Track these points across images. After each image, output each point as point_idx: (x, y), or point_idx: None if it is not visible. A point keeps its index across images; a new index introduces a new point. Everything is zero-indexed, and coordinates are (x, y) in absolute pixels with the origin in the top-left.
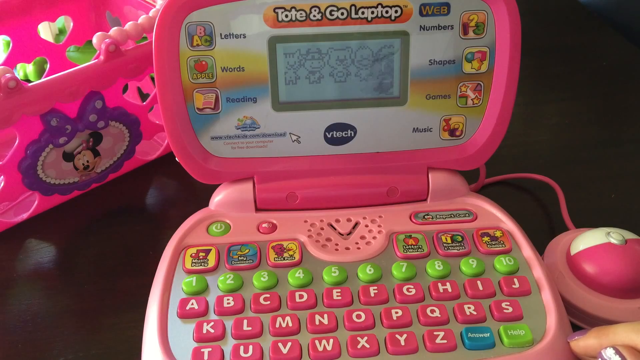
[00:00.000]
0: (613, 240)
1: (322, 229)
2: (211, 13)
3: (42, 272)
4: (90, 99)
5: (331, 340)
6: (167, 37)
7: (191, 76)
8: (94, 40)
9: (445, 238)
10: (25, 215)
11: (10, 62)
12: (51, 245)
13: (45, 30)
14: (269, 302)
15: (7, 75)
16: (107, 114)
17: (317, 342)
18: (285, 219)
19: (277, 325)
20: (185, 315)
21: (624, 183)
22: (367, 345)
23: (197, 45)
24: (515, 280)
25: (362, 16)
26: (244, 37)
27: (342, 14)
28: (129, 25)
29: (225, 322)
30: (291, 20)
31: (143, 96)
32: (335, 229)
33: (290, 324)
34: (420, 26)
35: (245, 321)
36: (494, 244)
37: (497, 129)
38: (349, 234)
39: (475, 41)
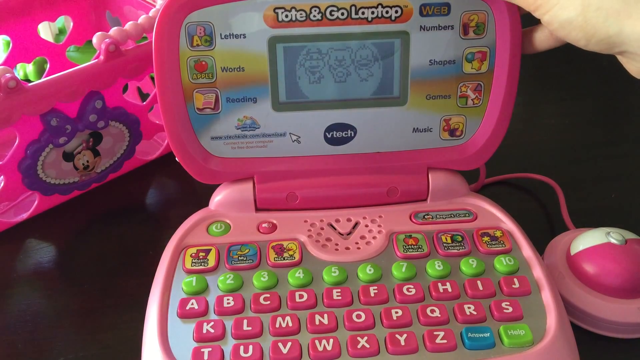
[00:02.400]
0: (613, 240)
1: (322, 229)
2: (211, 13)
3: (42, 272)
4: (90, 99)
5: (331, 340)
6: (167, 37)
7: (191, 76)
8: (94, 40)
9: (445, 238)
10: (25, 215)
11: (10, 62)
12: (51, 245)
13: (45, 30)
14: (269, 302)
15: (7, 75)
16: (107, 114)
17: (317, 342)
18: (285, 219)
19: (277, 325)
20: (185, 315)
21: (624, 183)
22: (367, 345)
23: (197, 45)
24: (515, 280)
25: (362, 16)
26: (244, 37)
27: (342, 14)
28: (129, 25)
29: (225, 322)
30: (291, 20)
31: (143, 96)
32: (335, 229)
33: (290, 324)
34: (421, 26)
35: (245, 321)
36: (494, 244)
37: (497, 129)
38: (349, 234)
39: (476, 41)
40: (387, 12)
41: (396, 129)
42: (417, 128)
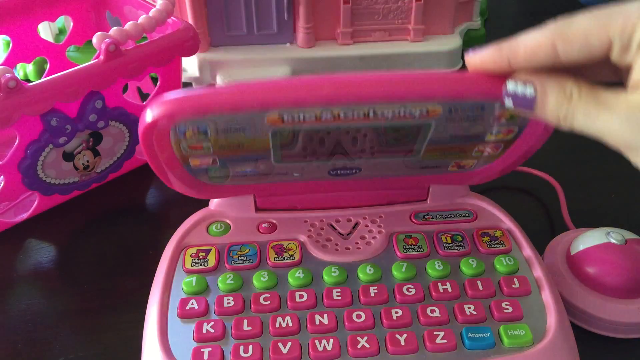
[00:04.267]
0: (613, 240)
1: (322, 229)
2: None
3: (42, 272)
4: (90, 99)
5: (331, 340)
6: (154, 142)
7: (185, 151)
8: (94, 40)
9: (445, 238)
10: (25, 215)
11: (10, 62)
12: (51, 245)
13: (45, 30)
14: (269, 302)
15: (7, 75)
16: (107, 114)
17: (317, 342)
18: (285, 219)
19: (277, 325)
20: (185, 315)
21: (624, 183)
22: (367, 345)
23: (191, 137)
24: (515, 280)
25: (382, 115)
26: (244, 130)
27: (358, 115)
28: (129, 25)
29: (225, 322)
30: (299, 119)
31: (143, 96)
32: (335, 229)
33: (290, 324)
34: (447, 118)
35: (245, 321)
36: (494, 244)
37: (508, 169)
38: (349, 234)
39: (505, 124)
40: (410, 112)
41: (404, 170)
42: (426, 167)
